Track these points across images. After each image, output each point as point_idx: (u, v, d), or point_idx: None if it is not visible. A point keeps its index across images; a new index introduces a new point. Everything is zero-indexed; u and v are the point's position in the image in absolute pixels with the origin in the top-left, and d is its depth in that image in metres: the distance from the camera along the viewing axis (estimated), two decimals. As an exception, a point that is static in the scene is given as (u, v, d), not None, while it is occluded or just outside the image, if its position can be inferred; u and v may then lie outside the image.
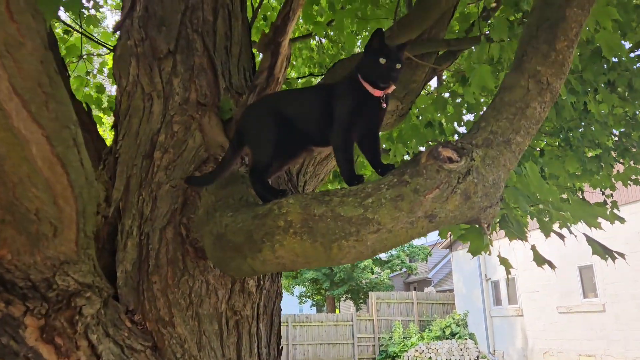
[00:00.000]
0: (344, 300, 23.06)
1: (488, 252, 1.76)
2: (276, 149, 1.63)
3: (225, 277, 1.97)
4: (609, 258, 1.72)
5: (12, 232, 1.27)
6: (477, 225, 1.72)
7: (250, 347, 2.01)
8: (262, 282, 2.13)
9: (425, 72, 3.45)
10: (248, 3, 4.19)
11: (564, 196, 4.85)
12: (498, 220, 1.88)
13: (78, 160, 1.27)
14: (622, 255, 1.68)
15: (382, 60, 1.54)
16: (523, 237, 1.88)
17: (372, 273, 22.53)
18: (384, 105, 1.63)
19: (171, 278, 1.92)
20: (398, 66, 1.56)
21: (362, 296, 21.79)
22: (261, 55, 2.03)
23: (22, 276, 1.35)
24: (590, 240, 1.74)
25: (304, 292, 23.48)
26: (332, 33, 5.11)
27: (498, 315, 15.52)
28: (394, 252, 23.98)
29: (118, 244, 2.02)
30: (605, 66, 3.27)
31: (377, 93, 1.59)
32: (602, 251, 1.71)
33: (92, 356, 1.48)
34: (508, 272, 1.87)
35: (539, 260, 1.86)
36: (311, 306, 25.33)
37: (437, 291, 21.38)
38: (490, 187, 1.47)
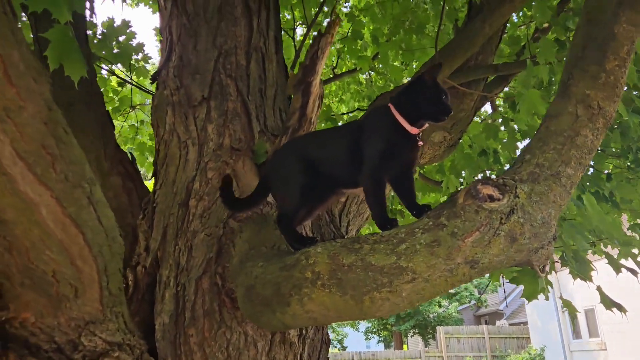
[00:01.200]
0: (412, 336, 22.33)
1: (545, 297, 1.58)
2: (303, 195, 1.55)
3: (264, 327, 1.89)
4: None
5: (33, 295, 1.25)
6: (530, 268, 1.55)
7: (293, 402, 1.90)
8: (305, 331, 2.02)
9: (474, 99, 3.31)
10: (289, 41, 4.23)
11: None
12: (558, 257, 1.69)
13: (95, 219, 1.24)
14: None
15: (443, 96, 1.46)
16: (586, 276, 1.68)
17: (440, 306, 21.75)
18: (420, 142, 1.52)
19: (208, 331, 1.85)
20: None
21: (431, 331, 20.99)
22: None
23: (47, 339, 1.32)
24: (667, 281, 1.53)
25: (370, 327, 22.95)
26: (380, 66, 5.06)
27: (578, 350, 14.44)
28: (461, 283, 23.08)
29: (156, 295, 1.99)
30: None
31: (414, 130, 1.49)
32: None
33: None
34: (573, 316, 1.66)
35: (607, 303, 1.65)
36: (378, 342, 24.68)
37: (510, 324, 20.27)
38: (540, 227, 1.32)
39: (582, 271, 1.73)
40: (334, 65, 5.04)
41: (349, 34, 4.50)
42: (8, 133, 0.95)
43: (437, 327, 17.65)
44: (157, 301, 1.97)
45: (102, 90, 3.42)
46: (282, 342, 1.93)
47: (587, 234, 1.59)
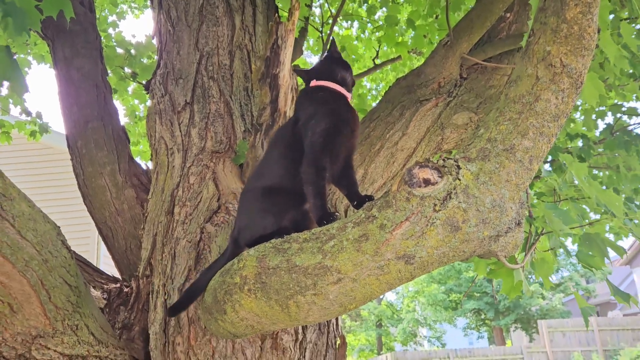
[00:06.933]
0: (514, 331, 21.20)
1: (528, 293, 1.35)
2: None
3: (254, 333, 1.81)
4: None
5: (-33, 313, 1.27)
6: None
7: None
8: (302, 336, 1.92)
9: (508, 74, 3.01)
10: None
11: None
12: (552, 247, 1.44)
13: (14, 234, 1.24)
14: None
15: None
16: (594, 263, 1.41)
17: (543, 298, 20.44)
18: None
19: (194, 339, 1.81)
20: None
21: (534, 325, 19.76)
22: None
23: (-7, 354, 1.35)
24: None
25: (468, 323, 22.11)
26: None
27: None
28: (565, 273, 21.57)
29: (150, 304, 1.98)
30: None
31: (349, 95, 1.41)
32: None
33: None
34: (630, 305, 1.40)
35: (619, 295, 1.39)
36: (478, 338, 23.71)
37: (623, 315, 18.56)
38: (490, 211, 1.13)
39: (590, 256, 1.47)
40: (376, 54, 4.86)
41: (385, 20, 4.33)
42: None
43: (539, 321, 16.53)
44: (151, 310, 1.97)
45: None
46: (273, 349, 1.84)
47: (572, 215, 1.33)
